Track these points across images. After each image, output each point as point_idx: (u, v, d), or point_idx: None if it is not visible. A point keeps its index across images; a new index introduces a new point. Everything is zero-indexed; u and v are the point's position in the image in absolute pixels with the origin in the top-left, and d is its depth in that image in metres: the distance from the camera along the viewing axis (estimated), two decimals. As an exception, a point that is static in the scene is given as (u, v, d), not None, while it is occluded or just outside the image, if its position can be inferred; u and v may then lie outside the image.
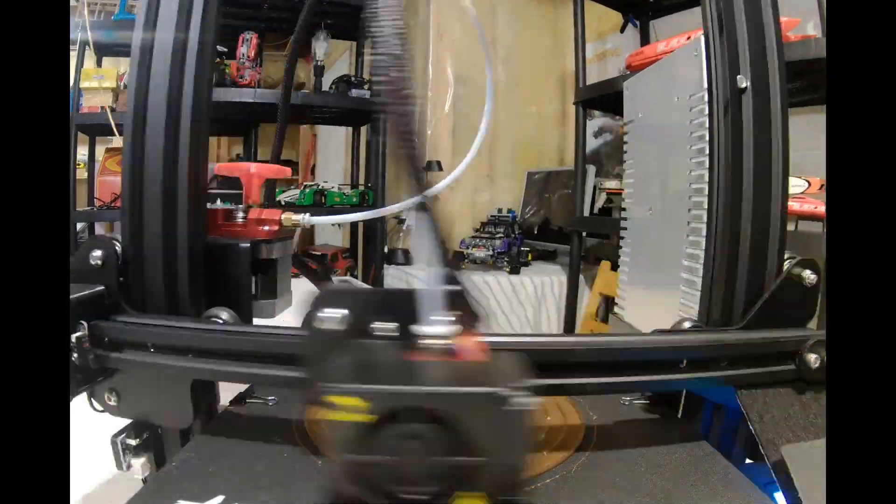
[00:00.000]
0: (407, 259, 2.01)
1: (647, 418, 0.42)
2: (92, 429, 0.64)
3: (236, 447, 0.36)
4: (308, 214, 0.52)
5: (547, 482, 0.34)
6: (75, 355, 0.36)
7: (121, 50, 2.07)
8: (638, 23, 1.76)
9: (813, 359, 0.39)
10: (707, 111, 0.45)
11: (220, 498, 0.32)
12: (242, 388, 0.46)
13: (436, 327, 0.29)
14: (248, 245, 0.46)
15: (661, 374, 0.38)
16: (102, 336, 0.38)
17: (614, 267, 1.52)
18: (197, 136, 0.43)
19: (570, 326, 1.67)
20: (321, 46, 1.91)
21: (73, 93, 1.95)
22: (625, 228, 0.70)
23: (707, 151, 0.45)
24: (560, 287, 1.76)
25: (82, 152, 2.14)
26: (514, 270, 1.76)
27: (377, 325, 0.31)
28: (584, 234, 1.67)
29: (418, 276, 1.82)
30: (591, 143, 1.87)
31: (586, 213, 1.66)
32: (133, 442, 0.40)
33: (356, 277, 2.02)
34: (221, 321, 0.40)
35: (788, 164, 0.43)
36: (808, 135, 1.28)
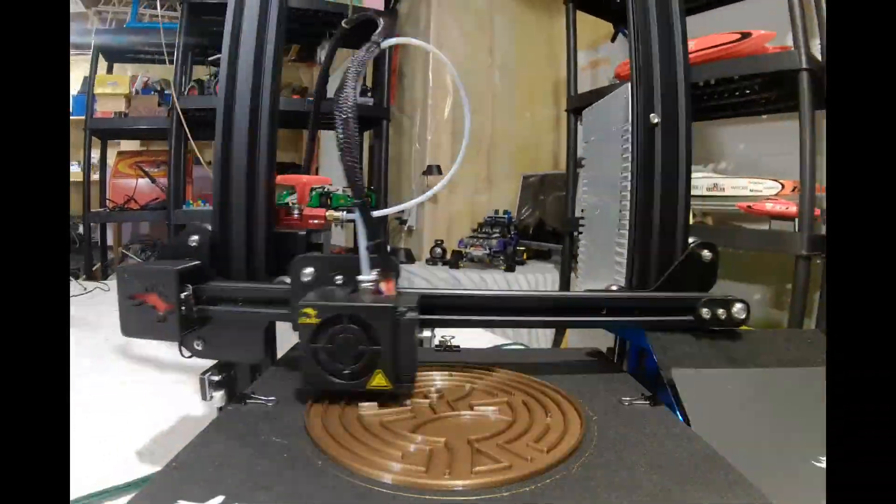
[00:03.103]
0: (408, 258, 2.00)
1: (647, 418, 0.40)
2: (93, 428, 0.62)
3: (236, 447, 0.35)
4: (346, 212, 0.68)
5: (547, 482, 0.32)
6: (183, 309, 0.46)
7: (132, 56, 2.05)
8: (627, 33, 1.74)
9: (704, 311, 0.51)
10: (630, 139, 0.58)
11: (220, 498, 0.30)
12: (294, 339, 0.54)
13: (366, 276, 0.44)
14: (305, 233, 0.60)
15: (586, 316, 0.51)
16: (201, 296, 0.48)
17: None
18: (272, 142, 0.53)
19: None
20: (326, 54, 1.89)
21: (87, 98, 1.94)
22: (583, 224, 0.85)
23: (630, 169, 0.58)
24: (553, 284, 1.76)
25: (95, 156, 2.12)
26: (510, 268, 1.76)
27: (335, 277, 0.47)
28: (575, 233, 1.67)
29: (419, 273, 1.81)
30: (583, 149, 1.86)
31: (578, 214, 1.64)
32: (216, 378, 0.50)
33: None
34: (287, 283, 0.50)
35: (690, 176, 0.56)
36: (782, 141, 1.28)
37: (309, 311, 0.39)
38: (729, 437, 0.38)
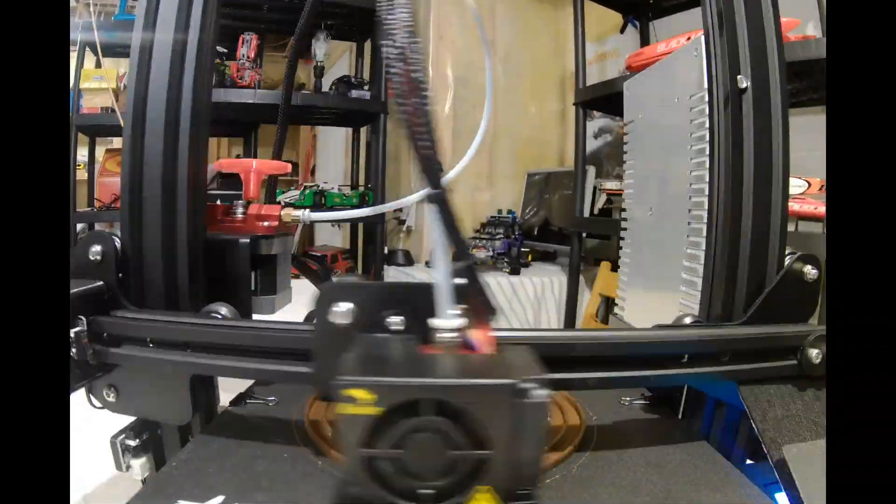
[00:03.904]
0: (407, 260, 2.00)
1: (647, 418, 0.42)
2: (92, 428, 0.64)
3: (236, 447, 0.36)
4: (308, 210, 0.52)
5: (547, 482, 0.34)
6: (74, 350, 0.36)
7: (120, 50, 2.07)
8: (638, 24, 1.76)
9: (814, 354, 0.39)
10: (707, 111, 0.45)
11: (220, 498, 0.32)
12: (243, 387, 0.46)
13: (448, 320, 0.29)
14: (248, 240, 0.45)
15: (663, 369, 0.38)
16: (101, 331, 0.38)
17: (614, 268, 1.52)
18: (196, 134, 0.44)
19: (570, 327, 1.67)
20: (321, 47, 1.91)
21: (73, 93, 1.95)
22: (625, 229, 0.70)
23: (707, 151, 0.45)
24: (560, 288, 1.76)
25: (82, 153, 2.14)
26: (514, 271, 1.76)
27: (389, 318, 0.31)
28: (583, 234, 1.67)
29: (419, 276, 1.82)
30: (591, 144, 1.87)
31: (586, 213, 1.66)
32: (133, 443, 0.40)
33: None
34: (220, 316, 0.39)
35: (789, 163, 0.44)
36: (807, 136, 1.28)
37: (361, 394, 0.24)
38: None
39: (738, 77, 0.42)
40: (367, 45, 2.19)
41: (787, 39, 1.14)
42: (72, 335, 0.36)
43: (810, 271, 0.42)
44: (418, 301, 0.30)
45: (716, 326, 0.43)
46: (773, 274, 0.43)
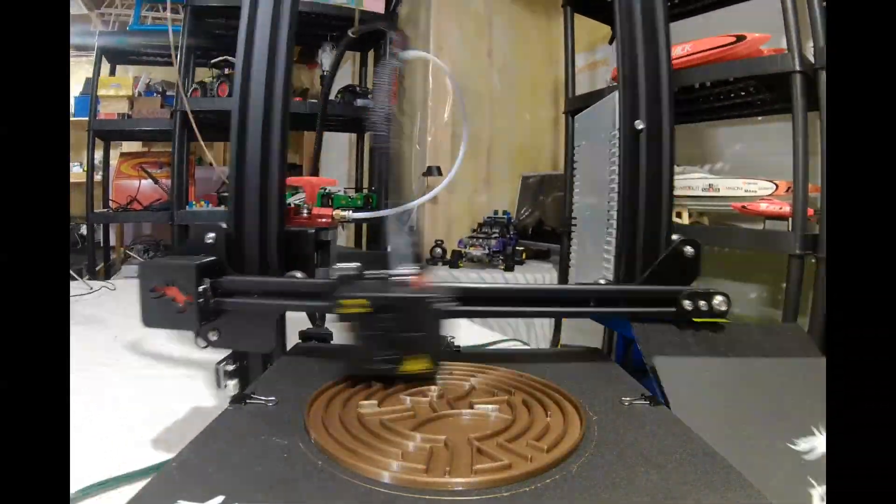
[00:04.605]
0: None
1: (647, 418, 0.40)
2: (102, 422, 0.62)
3: (236, 447, 0.34)
4: (352, 211, 0.71)
5: (547, 482, 0.32)
6: (201, 300, 0.48)
7: (135, 59, 2.04)
8: (615, 41, 1.74)
9: (686, 303, 0.53)
10: (618, 143, 0.60)
11: (220, 498, 0.30)
12: (304, 326, 0.63)
13: (403, 271, 0.47)
14: (313, 231, 0.61)
15: (576, 307, 0.54)
16: (218, 289, 0.51)
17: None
18: (283, 144, 0.56)
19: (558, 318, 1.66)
20: (327, 57, 1.89)
21: (91, 100, 1.93)
22: (574, 226, 0.87)
23: (618, 171, 0.61)
24: (552, 282, 1.75)
25: (98, 157, 2.12)
26: (509, 268, 1.76)
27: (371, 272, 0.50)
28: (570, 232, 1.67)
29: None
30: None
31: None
32: (230, 367, 0.53)
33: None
34: (298, 277, 0.55)
35: (673, 176, 0.59)
36: (776, 142, 1.28)
37: (357, 301, 0.43)
38: (707, 420, 0.41)
39: (636, 121, 0.58)
40: (371, 55, 2.17)
41: (760, 53, 1.15)
42: (200, 290, 0.48)
43: (689, 250, 0.56)
44: (388, 263, 0.48)
45: (618, 284, 0.59)
46: (662, 252, 0.58)
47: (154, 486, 0.31)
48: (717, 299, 0.52)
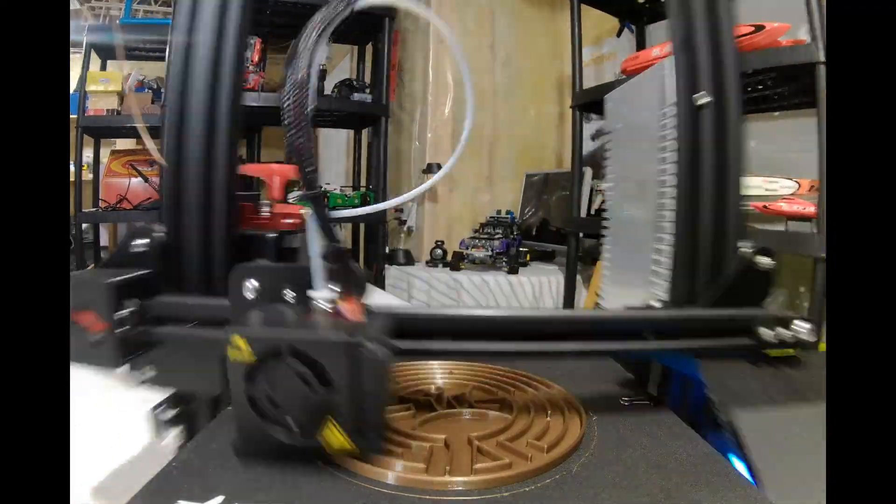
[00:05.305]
0: (408, 259, 2.00)
1: (647, 418, 0.41)
2: (99, 425, 0.63)
3: (236, 447, 0.36)
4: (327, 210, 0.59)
5: (547, 482, 0.33)
6: (126, 327, 0.40)
7: (126, 53, 2.05)
8: (634, 28, 1.75)
9: (764, 332, 0.43)
10: (675, 123, 0.49)
11: (220, 498, 0.31)
12: None
13: (321, 292, 0.36)
14: (275, 235, 0.50)
15: (628, 342, 0.42)
16: (147, 313, 0.41)
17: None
18: (232, 138, 0.47)
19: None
20: (323, 51, 1.90)
21: (79, 96, 1.94)
22: (606, 227, 0.74)
23: (674, 159, 0.49)
24: (557, 287, 1.75)
25: (87, 154, 2.13)
26: (513, 270, 1.75)
27: (285, 292, 0.37)
28: (580, 234, 1.67)
29: (419, 275, 1.81)
30: (588, 146, 1.86)
31: (583, 214, 1.65)
32: (168, 414, 0.43)
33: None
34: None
35: (743, 167, 0.48)
36: (798, 137, 1.28)
37: (239, 342, 0.31)
38: (807, 491, 0.33)
39: (696, 95, 0.47)
40: (368, 49, 2.18)
41: (779, 44, 1.14)
42: (118, 316, 0.39)
43: (765, 261, 0.45)
44: (306, 280, 0.37)
45: (677, 308, 0.48)
46: (731, 264, 0.47)
47: (154, 486, 0.32)
48: (803, 326, 0.42)
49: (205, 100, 0.46)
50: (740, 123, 0.48)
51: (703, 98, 0.47)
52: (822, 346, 0.40)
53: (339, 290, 0.36)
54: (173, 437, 0.43)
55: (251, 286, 0.38)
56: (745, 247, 0.46)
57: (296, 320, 0.35)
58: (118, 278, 0.40)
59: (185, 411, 0.44)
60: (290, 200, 0.53)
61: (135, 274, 0.41)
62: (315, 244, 0.36)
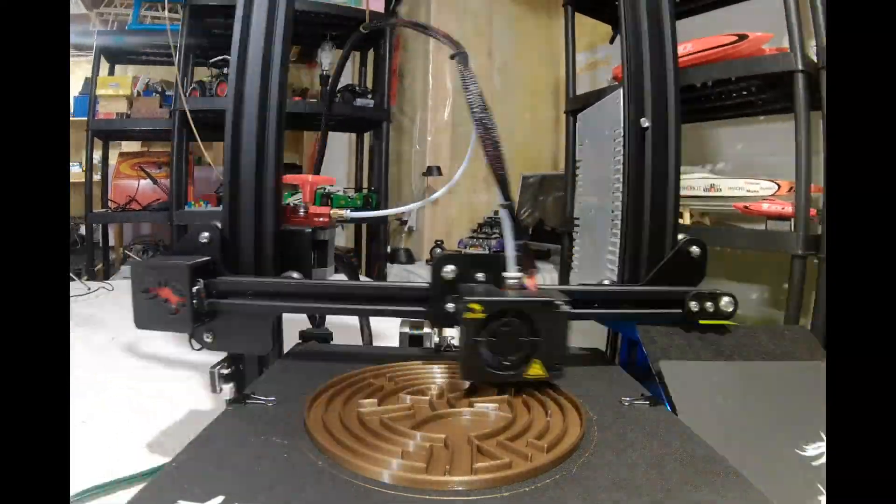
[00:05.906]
0: (409, 258, 1.99)
1: (647, 418, 0.40)
2: (99, 425, 0.62)
3: (236, 447, 0.35)
4: (350, 210, 0.70)
5: (547, 482, 0.32)
6: (194, 302, 0.47)
7: (133, 58, 2.05)
8: (620, 39, 1.74)
9: (693, 305, 0.52)
10: (623, 142, 0.60)
11: (220, 498, 0.30)
12: (302, 326, 0.62)
13: (515, 273, 0.46)
14: (310, 230, 0.60)
15: (579, 308, 0.51)
16: (212, 290, 0.50)
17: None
18: (279, 143, 0.55)
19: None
20: (327, 56, 1.89)
21: (89, 99, 1.94)
22: (577, 226, 0.86)
23: (622, 170, 0.60)
24: (552, 283, 1.75)
25: (97, 156, 2.12)
26: (510, 269, 1.75)
27: (476, 274, 0.49)
28: (572, 232, 1.66)
29: (420, 273, 1.81)
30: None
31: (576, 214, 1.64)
32: (225, 371, 0.52)
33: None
34: (293, 278, 0.55)
35: (679, 175, 0.58)
36: (779, 142, 1.28)
37: (475, 306, 0.41)
38: (714, 426, 0.41)
39: (642, 119, 0.58)
40: (370, 55, 2.17)
41: (762, 52, 1.15)
42: (193, 291, 0.47)
43: (695, 250, 0.55)
44: (493, 265, 0.48)
45: (622, 285, 0.59)
46: (669, 253, 0.57)
47: (154, 487, 0.31)
48: (724, 300, 0.52)
49: (257, 110, 0.54)
50: (677, 141, 0.58)
51: (646, 122, 0.58)
52: (737, 319, 0.52)
53: (524, 271, 0.47)
54: (228, 389, 0.52)
55: (449, 269, 0.48)
56: (682, 239, 0.56)
57: (498, 293, 0.45)
58: (193, 262, 0.48)
59: (237, 370, 0.54)
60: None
61: (202, 259, 0.50)
62: (510, 240, 0.46)
